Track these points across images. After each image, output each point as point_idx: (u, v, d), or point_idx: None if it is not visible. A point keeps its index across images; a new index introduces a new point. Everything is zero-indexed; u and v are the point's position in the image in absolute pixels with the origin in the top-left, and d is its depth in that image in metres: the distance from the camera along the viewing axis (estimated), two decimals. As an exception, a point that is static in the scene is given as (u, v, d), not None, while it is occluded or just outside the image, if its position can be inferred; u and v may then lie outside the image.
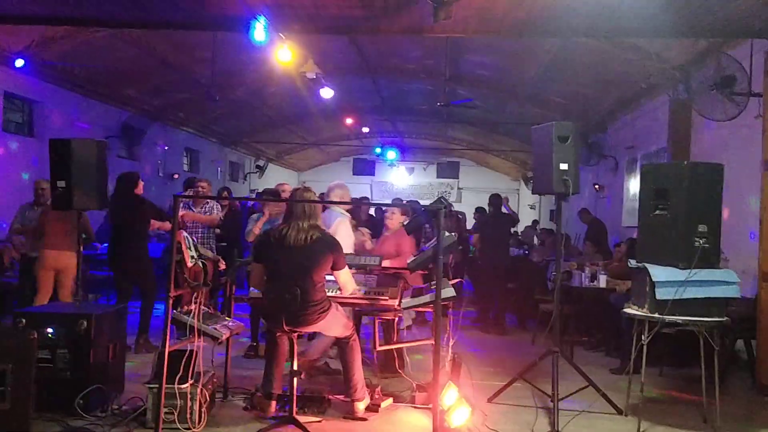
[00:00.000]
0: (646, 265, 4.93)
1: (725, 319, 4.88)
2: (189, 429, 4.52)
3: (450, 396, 4.76)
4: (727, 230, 5.50)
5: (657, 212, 4.99)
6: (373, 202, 18.60)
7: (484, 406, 5.26)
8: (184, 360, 4.57)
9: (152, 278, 7.18)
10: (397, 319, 5.81)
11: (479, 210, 13.42)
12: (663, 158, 9.83)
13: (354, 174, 25.79)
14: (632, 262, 5.22)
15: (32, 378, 4.09)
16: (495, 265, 9.16)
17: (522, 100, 13.71)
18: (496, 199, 9.53)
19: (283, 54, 8.40)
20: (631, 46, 8.90)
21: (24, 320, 4.87)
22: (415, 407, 5.23)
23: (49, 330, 4.81)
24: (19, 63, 9.38)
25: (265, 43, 7.74)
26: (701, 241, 4.76)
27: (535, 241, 13.99)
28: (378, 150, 21.05)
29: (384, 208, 7.28)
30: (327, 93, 11.80)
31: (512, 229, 11.13)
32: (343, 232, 6.20)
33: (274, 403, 4.91)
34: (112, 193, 7.00)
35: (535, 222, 18.65)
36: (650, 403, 5.45)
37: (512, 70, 12.07)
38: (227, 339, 5.15)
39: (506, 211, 9.94)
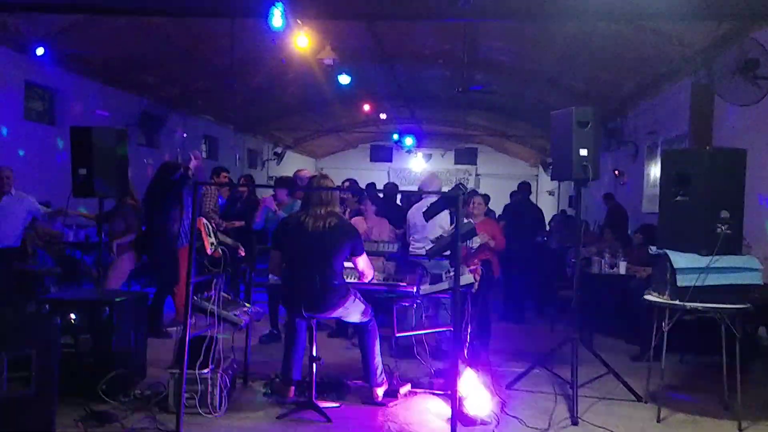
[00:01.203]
0: (667, 251, 4.88)
1: (747, 305, 4.82)
2: (210, 414, 4.58)
3: (468, 382, 4.77)
4: (750, 216, 5.42)
5: (678, 198, 4.92)
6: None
7: (502, 392, 5.27)
8: (204, 346, 4.63)
9: (174, 270, 7.15)
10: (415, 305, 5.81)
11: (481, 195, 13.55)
12: (684, 144, 9.70)
13: (371, 160, 25.74)
14: (653, 249, 5.18)
15: (57, 363, 4.15)
16: (518, 253, 9.05)
17: (540, 85, 13.60)
18: (524, 187, 9.37)
19: (301, 40, 8.42)
20: (652, 30, 8.77)
21: (47, 306, 4.95)
22: (433, 393, 5.25)
23: (72, 316, 4.88)
24: (40, 51, 9.43)
25: (283, 29, 7.75)
26: (723, 228, 4.70)
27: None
28: (395, 136, 20.97)
29: (471, 198, 7.21)
30: (344, 79, 11.79)
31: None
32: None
33: (293, 388, 4.96)
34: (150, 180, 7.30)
35: (563, 212, 18.49)
36: (670, 390, 5.43)
37: (530, 55, 11.96)
38: (247, 325, 5.19)
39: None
